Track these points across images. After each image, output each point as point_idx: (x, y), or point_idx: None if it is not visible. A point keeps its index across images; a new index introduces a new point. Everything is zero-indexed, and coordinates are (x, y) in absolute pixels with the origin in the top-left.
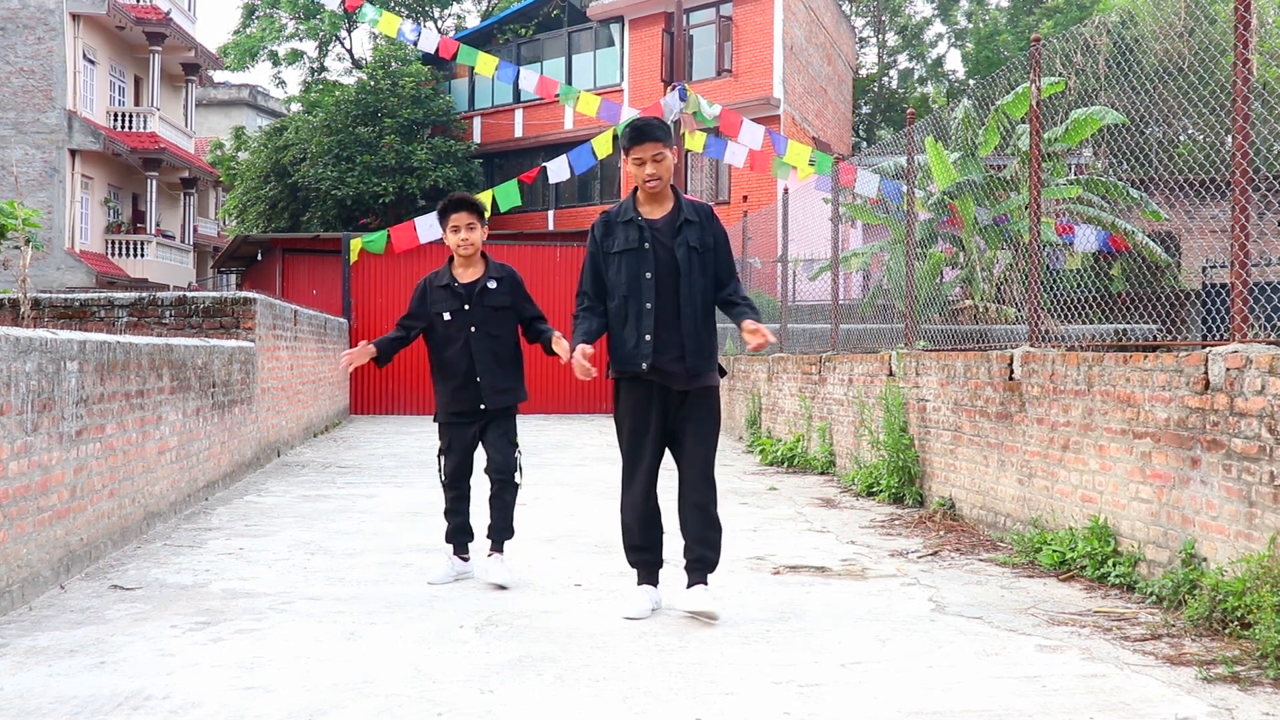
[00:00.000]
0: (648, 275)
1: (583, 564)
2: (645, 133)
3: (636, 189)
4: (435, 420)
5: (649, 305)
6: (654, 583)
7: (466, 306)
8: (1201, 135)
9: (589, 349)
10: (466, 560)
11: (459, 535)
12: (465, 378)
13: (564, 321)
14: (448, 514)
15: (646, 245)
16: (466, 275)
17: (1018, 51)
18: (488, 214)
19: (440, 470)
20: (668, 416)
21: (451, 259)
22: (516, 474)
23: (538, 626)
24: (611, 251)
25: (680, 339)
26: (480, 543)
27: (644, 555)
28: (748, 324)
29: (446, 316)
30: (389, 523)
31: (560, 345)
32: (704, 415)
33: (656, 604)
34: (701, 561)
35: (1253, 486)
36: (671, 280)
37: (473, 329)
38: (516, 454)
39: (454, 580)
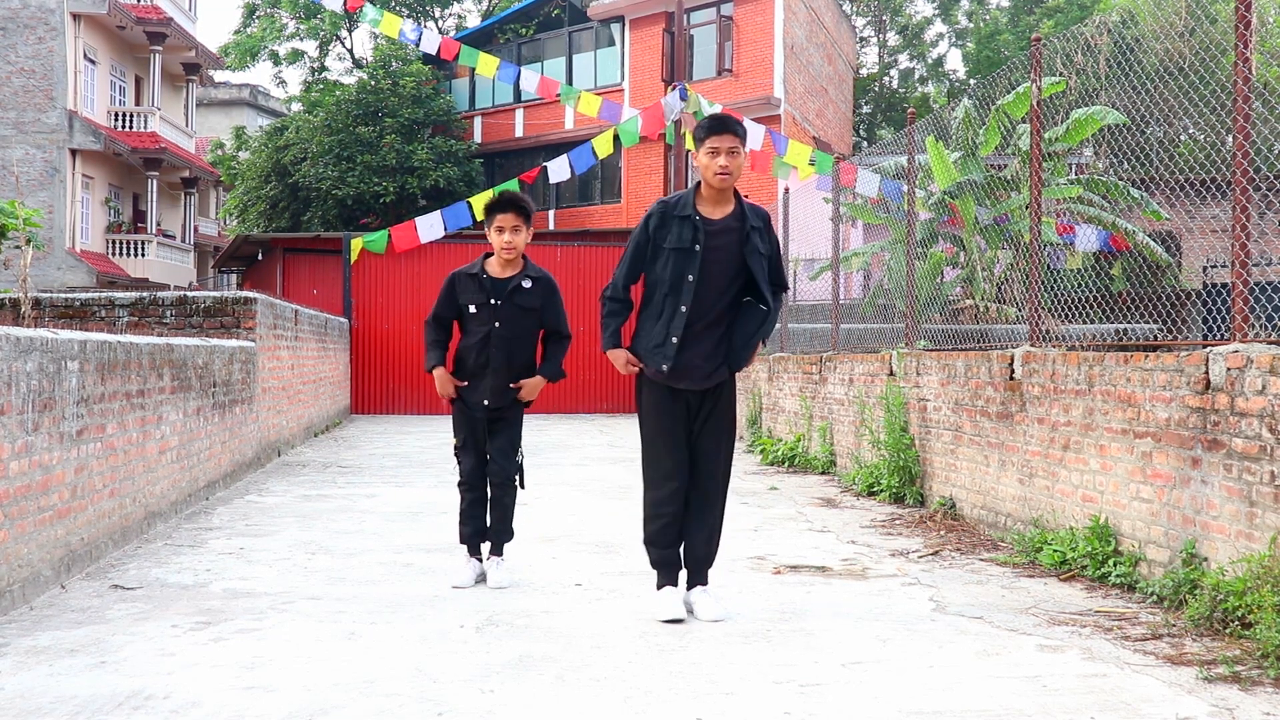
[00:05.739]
0: (690, 279)
1: (583, 564)
2: (725, 124)
3: (699, 184)
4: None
5: (684, 309)
6: (675, 583)
7: (494, 301)
8: (1202, 135)
9: (624, 353)
10: (481, 560)
11: (476, 539)
12: (475, 373)
13: (571, 319)
14: (465, 518)
15: (697, 248)
16: (501, 272)
17: (1018, 51)
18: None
19: (457, 470)
20: (690, 415)
21: (487, 254)
22: (517, 478)
23: (538, 626)
24: (663, 245)
25: (713, 343)
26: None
27: (668, 554)
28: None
29: (472, 309)
30: (390, 522)
31: (528, 384)
32: (721, 415)
33: (688, 603)
34: (705, 561)
35: (1253, 486)
36: (715, 284)
37: (496, 324)
38: (519, 459)
39: (475, 583)
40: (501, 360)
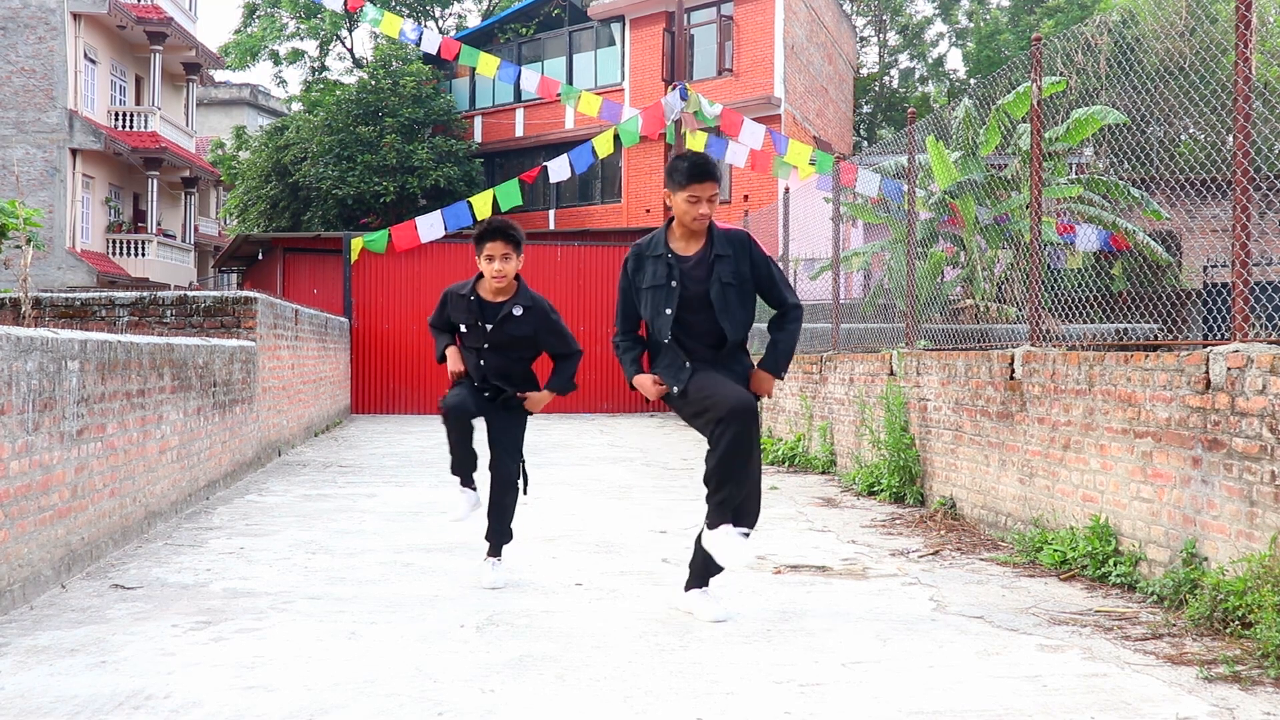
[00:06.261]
0: (668, 311)
1: (583, 563)
2: (709, 171)
3: (670, 222)
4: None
5: (668, 340)
6: None
7: (483, 324)
8: (1203, 134)
9: (648, 377)
10: (474, 489)
11: (465, 467)
12: (475, 375)
13: (571, 320)
14: (453, 447)
15: (674, 283)
16: (493, 296)
17: (1019, 51)
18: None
19: (443, 411)
20: None
21: (480, 273)
22: (519, 481)
23: (539, 626)
24: (641, 287)
25: (729, 374)
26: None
27: None
28: (757, 373)
29: (463, 329)
30: (390, 522)
31: (534, 397)
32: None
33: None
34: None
35: (1254, 486)
36: (701, 315)
37: (485, 346)
38: (521, 464)
39: (473, 510)
40: (497, 375)
